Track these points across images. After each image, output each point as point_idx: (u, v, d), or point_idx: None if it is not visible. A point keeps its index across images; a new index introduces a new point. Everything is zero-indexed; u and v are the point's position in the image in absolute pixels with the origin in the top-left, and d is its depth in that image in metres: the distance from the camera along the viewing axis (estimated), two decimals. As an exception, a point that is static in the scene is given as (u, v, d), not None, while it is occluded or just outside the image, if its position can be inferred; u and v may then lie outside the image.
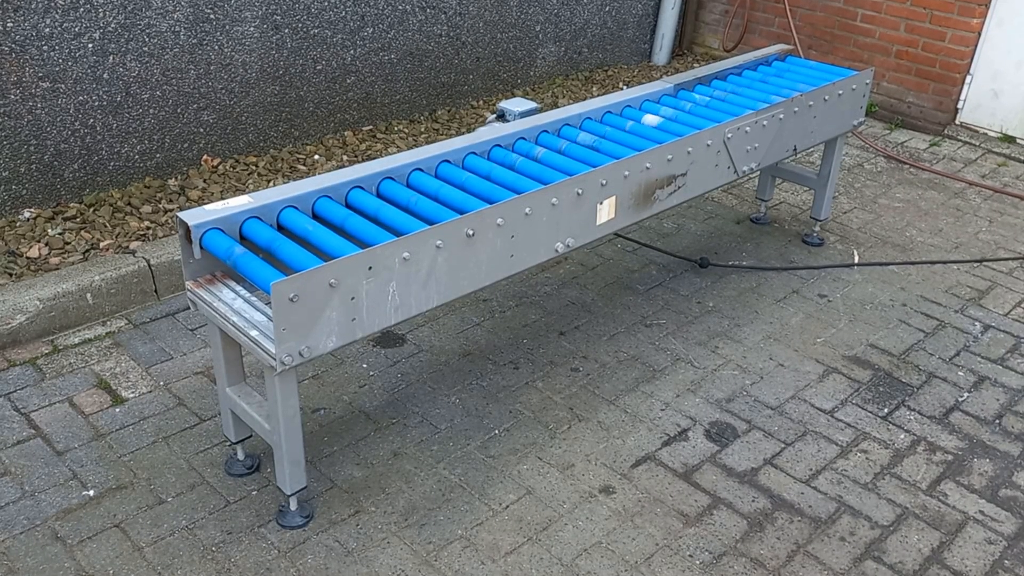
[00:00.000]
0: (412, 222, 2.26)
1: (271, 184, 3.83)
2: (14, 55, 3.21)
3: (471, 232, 2.21)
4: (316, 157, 4.16)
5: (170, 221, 3.48)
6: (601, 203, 2.55)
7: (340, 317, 2.02)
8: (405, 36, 4.47)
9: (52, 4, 3.23)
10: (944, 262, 3.75)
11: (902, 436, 2.72)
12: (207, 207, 2.19)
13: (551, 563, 2.22)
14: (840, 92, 3.37)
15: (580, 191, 2.46)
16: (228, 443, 2.53)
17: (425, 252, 2.13)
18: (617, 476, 2.51)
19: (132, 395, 2.74)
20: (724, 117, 3.05)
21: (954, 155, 4.85)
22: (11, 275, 3.06)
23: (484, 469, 2.51)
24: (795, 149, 3.29)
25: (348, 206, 2.39)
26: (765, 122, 3.05)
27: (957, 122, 5.10)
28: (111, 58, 3.47)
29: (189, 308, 3.15)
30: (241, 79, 3.91)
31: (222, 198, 3.70)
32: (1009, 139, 4.97)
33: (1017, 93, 4.87)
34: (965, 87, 5.00)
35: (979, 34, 4.86)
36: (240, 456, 2.45)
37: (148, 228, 3.42)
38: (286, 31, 3.99)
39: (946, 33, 4.90)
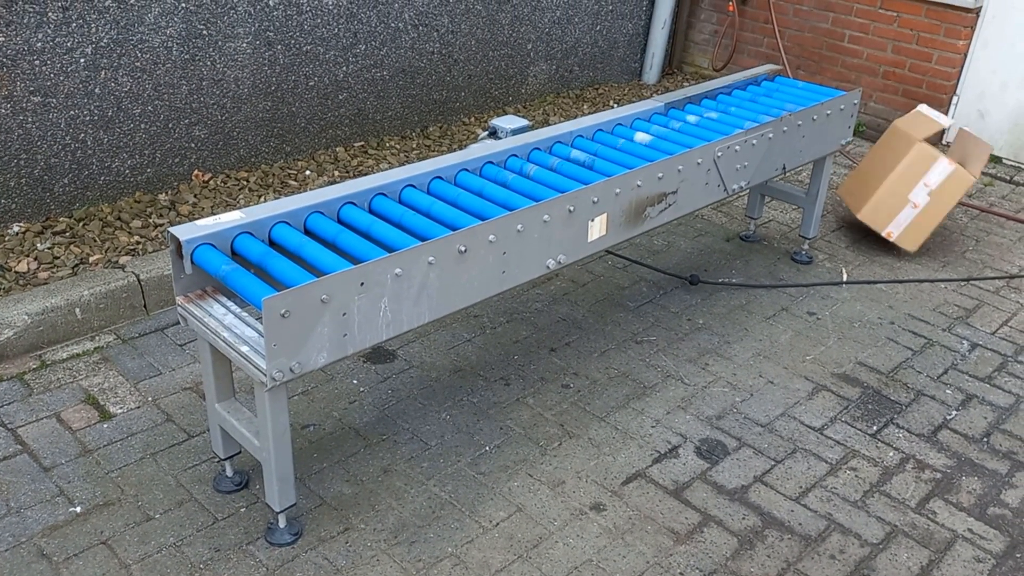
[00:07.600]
0: (404, 238, 2.26)
1: (262, 199, 3.83)
2: (5, 69, 3.21)
3: (463, 248, 2.21)
4: (308, 173, 4.16)
5: (160, 236, 3.47)
6: (592, 220, 2.56)
7: (331, 333, 2.02)
8: (397, 53, 4.49)
9: (44, 19, 3.24)
10: (932, 280, 3.77)
11: (891, 454, 2.73)
12: (198, 222, 2.18)
13: (541, 581, 2.21)
14: (828, 112, 3.40)
15: (572, 208, 2.47)
16: (217, 459, 2.52)
17: (417, 268, 2.13)
18: (608, 493, 2.50)
19: (120, 411, 2.72)
20: (714, 136, 3.08)
21: (941, 175, 4.88)
22: (-1, 289, 3.04)
23: (474, 486, 2.50)
24: (784, 168, 3.32)
25: (340, 222, 2.39)
26: (754, 141, 3.08)
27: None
28: (103, 73, 3.47)
29: (178, 323, 3.13)
30: (233, 94, 3.92)
31: (212, 213, 3.69)
32: (995, 159, 5.02)
33: (1003, 114, 4.93)
34: (951, 107, 5.06)
35: (965, 55, 4.92)
36: (229, 472, 2.44)
37: (138, 243, 3.41)
38: (279, 47, 4.00)
39: (932, 54, 4.96)
